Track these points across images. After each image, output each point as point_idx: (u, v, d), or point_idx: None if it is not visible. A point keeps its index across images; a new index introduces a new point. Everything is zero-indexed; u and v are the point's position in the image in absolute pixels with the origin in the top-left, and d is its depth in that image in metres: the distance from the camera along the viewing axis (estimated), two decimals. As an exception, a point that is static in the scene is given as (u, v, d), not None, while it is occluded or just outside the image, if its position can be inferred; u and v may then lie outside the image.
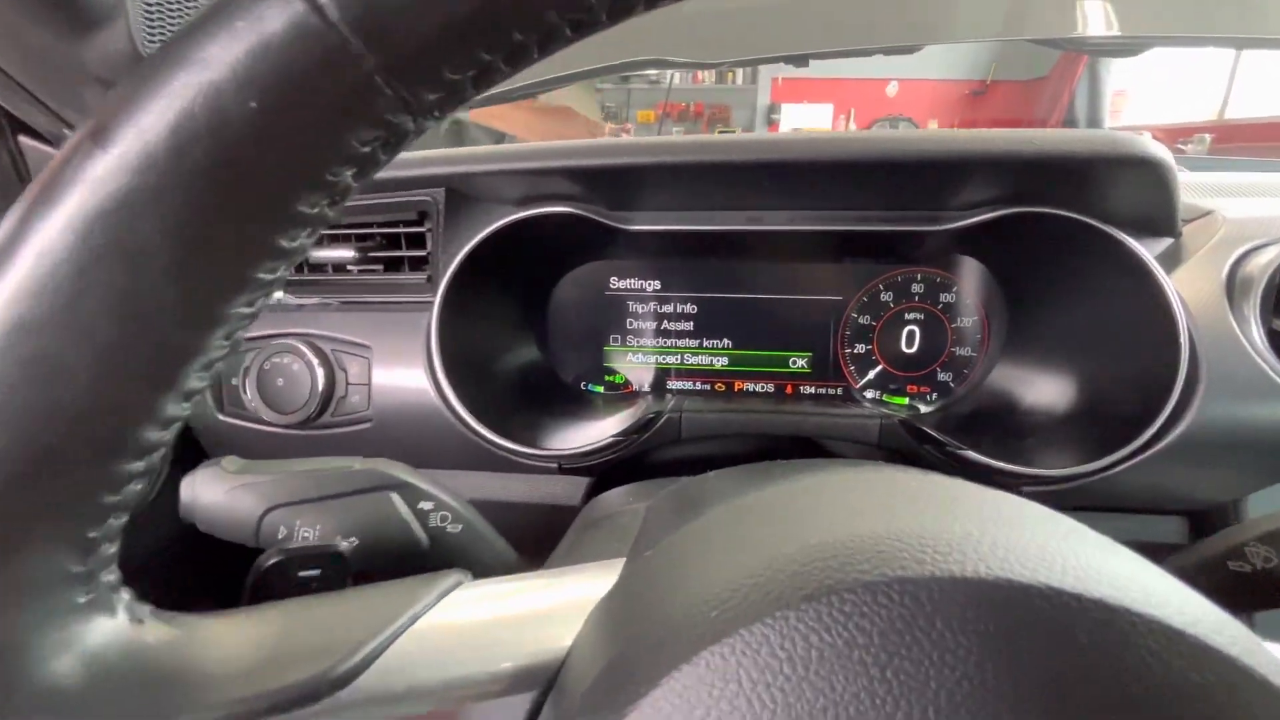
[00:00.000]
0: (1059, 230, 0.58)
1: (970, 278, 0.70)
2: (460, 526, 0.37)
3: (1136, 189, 0.54)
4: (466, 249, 0.62)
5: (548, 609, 0.26)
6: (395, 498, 0.35)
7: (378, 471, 0.35)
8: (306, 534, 0.34)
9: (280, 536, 0.34)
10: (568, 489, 0.67)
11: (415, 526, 0.35)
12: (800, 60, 1.20)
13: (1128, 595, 0.18)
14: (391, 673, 0.23)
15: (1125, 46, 1.21)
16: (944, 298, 0.71)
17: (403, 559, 0.35)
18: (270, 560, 0.27)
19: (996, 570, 0.18)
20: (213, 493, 0.33)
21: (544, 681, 0.24)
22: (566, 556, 0.37)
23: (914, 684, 0.17)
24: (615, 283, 0.75)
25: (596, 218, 0.63)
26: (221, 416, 0.66)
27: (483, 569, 0.40)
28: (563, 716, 0.22)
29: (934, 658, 0.17)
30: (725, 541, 0.22)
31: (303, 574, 0.26)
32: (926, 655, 0.17)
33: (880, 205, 0.61)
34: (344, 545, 0.33)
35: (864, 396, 0.73)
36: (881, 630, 0.17)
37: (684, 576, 0.21)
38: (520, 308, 0.74)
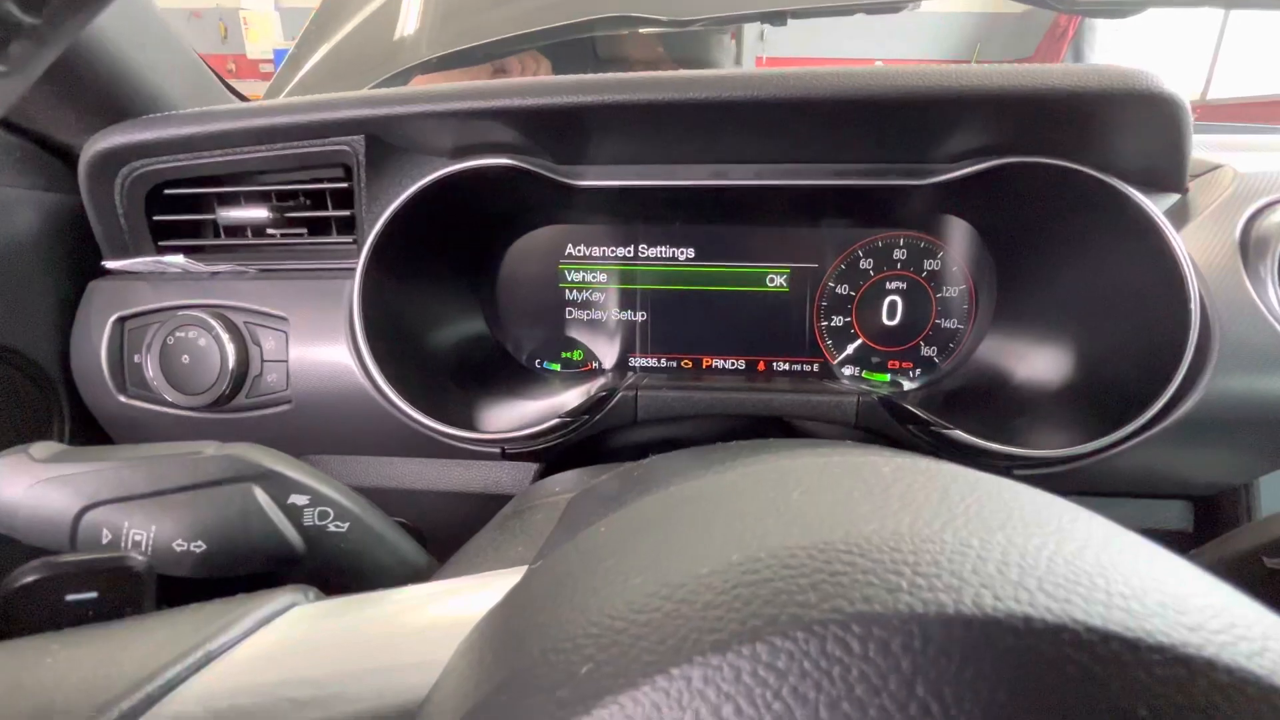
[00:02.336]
0: (1056, 184, 0.52)
1: (957, 241, 0.64)
2: (346, 524, 0.31)
3: (1146, 134, 0.47)
4: (393, 207, 0.54)
5: (407, 640, 0.20)
6: (257, 491, 0.28)
7: (232, 458, 0.29)
8: (138, 537, 0.27)
9: (105, 541, 0.27)
10: (514, 477, 0.60)
11: (284, 525, 0.29)
12: (778, 19, 1.12)
13: (1214, 638, 0.11)
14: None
15: (1116, 7, 1.15)
16: (929, 265, 0.65)
17: (269, 566, 0.29)
18: (22, 579, 0.20)
19: (1009, 602, 0.12)
20: (14, 486, 0.27)
21: (388, 742, 0.18)
22: (474, 557, 0.30)
23: (881, 790, 0.11)
24: (571, 250, 0.68)
25: (543, 172, 0.56)
26: (124, 399, 0.59)
27: (380, 575, 0.34)
28: None
29: (914, 746, 0.11)
30: (622, 557, 0.16)
31: (73, 598, 0.20)
32: (902, 741, 0.11)
33: (859, 157, 0.55)
34: (178, 548, 0.26)
35: (842, 373, 0.68)
36: (831, 700, 0.11)
37: (558, 607, 0.15)
38: (464, 277, 0.67)
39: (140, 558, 0.21)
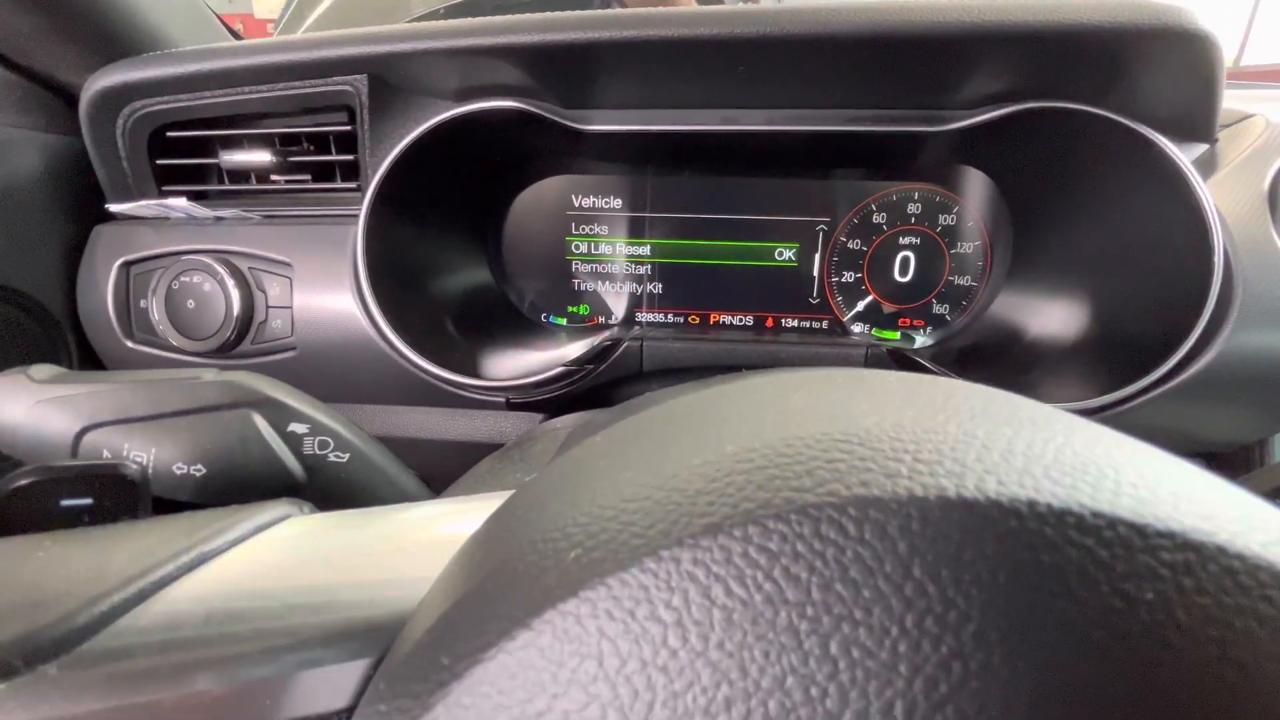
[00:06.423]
0: (1078, 132, 0.50)
1: (974, 195, 0.62)
2: (347, 455, 0.30)
3: (1177, 76, 0.45)
4: (396, 152, 0.53)
5: (403, 554, 0.20)
6: (257, 417, 0.28)
7: (232, 384, 0.29)
8: (139, 459, 0.27)
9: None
10: (518, 427, 0.60)
11: (284, 452, 0.29)
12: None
13: (1227, 526, 0.11)
14: (146, 633, 0.16)
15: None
16: (944, 220, 0.63)
17: (269, 493, 0.29)
18: (16, 483, 0.20)
19: (1013, 487, 0.11)
20: (15, 407, 0.27)
21: (381, 649, 0.18)
22: (473, 484, 0.30)
23: (874, 669, 0.10)
24: (578, 202, 0.67)
25: (550, 116, 0.54)
26: (130, 344, 0.59)
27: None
28: (384, 683, 0.16)
29: (909, 627, 0.10)
30: (615, 457, 0.15)
31: (68, 502, 0.20)
32: (898, 623, 0.10)
33: (874, 102, 0.53)
34: (178, 471, 0.26)
35: (851, 330, 0.67)
36: (824, 581, 0.11)
37: (548, 504, 0.15)
38: (469, 227, 0.66)
39: (135, 466, 0.21)
